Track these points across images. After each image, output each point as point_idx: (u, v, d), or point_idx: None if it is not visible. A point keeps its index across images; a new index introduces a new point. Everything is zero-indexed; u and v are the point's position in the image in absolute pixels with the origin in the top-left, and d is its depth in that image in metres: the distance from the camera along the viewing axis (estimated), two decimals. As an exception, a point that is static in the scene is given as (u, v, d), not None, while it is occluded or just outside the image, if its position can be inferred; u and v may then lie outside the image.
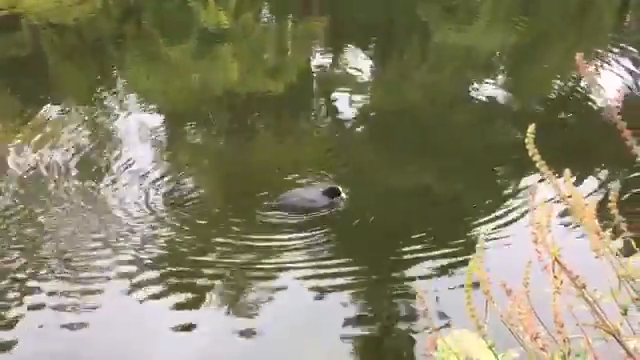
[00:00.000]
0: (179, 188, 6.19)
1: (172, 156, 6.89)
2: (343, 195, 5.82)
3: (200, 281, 4.90)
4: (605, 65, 9.69)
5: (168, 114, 7.88)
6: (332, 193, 5.82)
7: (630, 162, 1.46)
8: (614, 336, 1.26)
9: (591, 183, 5.74)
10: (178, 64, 9.41)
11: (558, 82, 8.59)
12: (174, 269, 5.06)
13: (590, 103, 8.19)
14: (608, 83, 8.78)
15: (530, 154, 1.50)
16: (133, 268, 5.04)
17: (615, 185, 1.47)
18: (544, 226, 1.56)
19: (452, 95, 8.64)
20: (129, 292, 4.79)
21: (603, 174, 5.93)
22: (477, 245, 1.50)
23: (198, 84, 8.99)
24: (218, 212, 5.84)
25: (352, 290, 4.75)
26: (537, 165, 1.49)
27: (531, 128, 1.48)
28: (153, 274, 4.97)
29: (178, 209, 5.85)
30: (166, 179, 6.33)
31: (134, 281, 4.89)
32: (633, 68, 9.36)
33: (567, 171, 1.42)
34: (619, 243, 1.64)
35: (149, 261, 5.13)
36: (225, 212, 5.84)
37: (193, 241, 5.40)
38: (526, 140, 1.50)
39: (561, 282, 1.30)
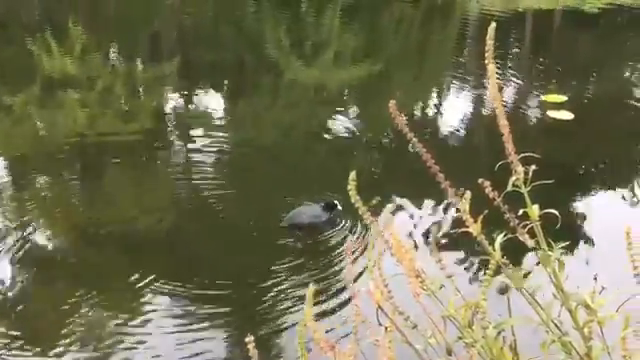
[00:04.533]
0: (28, 243, 5.87)
1: (18, 208, 6.55)
2: (339, 207, 5.87)
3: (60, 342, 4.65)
4: (447, 95, 10.28)
5: (12, 164, 7.50)
6: (330, 207, 5.90)
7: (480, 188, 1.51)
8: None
9: (437, 213, 6.02)
10: (21, 112, 9.00)
11: (405, 113, 8.93)
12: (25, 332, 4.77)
13: (440, 130, 8.63)
14: (450, 112, 9.32)
15: (352, 201, 1.53)
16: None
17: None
18: (374, 269, 1.58)
19: (307, 130, 8.80)
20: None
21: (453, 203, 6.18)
22: (308, 292, 1.50)
23: (44, 132, 8.63)
24: (70, 266, 5.59)
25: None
26: (360, 211, 1.52)
27: (352, 175, 1.50)
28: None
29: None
30: (13, 234, 5.98)
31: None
32: (473, 97, 9.96)
33: (386, 214, 1.44)
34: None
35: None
36: (78, 266, 5.60)
37: (47, 299, 5.14)
38: (349, 187, 1.52)
39: (386, 328, 1.31)
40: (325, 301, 4.92)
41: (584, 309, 1.44)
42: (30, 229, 6.06)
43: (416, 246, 5.27)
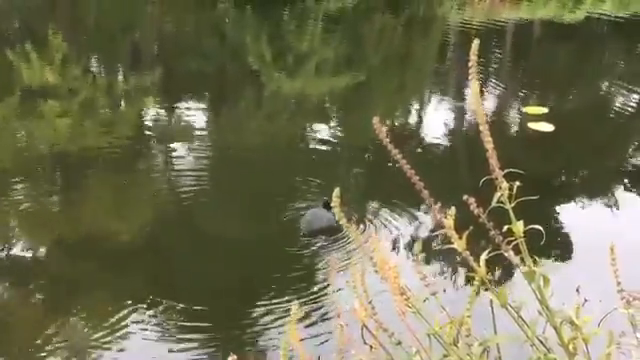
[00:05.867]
0: (5, 255, 5.80)
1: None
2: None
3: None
4: (428, 106, 10.34)
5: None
6: (329, 206, 5.61)
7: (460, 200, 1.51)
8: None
9: (421, 225, 6.02)
10: (0, 123, 8.92)
11: (387, 124, 8.98)
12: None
13: (423, 141, 8.65)
14: (432, 123, 9.36)
15: (337, 218, 1.52)
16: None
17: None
18: (357, 287, 1.57)
19: (289, 141, 8.78)
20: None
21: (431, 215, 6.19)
22: (292, 313, 1.49)
23: (24, 143, 8.55)
24: (48, 279, 5.51)
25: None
26: (346, 229, 1.51)
27: (336, 192, 1.50)
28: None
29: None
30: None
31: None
32: (454, 107, 10.01)
33: (372, 232, 1.44)
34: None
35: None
36: (56, 279, 5.53)
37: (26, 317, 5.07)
38: (332, 204, 1.52)
39: (371, 347, 1.30)
40: (311, 317, 4.87)
41: (569, 325, 1.44)
42: (8, 241, 6.00)
43: (399, 260, 5.26)
